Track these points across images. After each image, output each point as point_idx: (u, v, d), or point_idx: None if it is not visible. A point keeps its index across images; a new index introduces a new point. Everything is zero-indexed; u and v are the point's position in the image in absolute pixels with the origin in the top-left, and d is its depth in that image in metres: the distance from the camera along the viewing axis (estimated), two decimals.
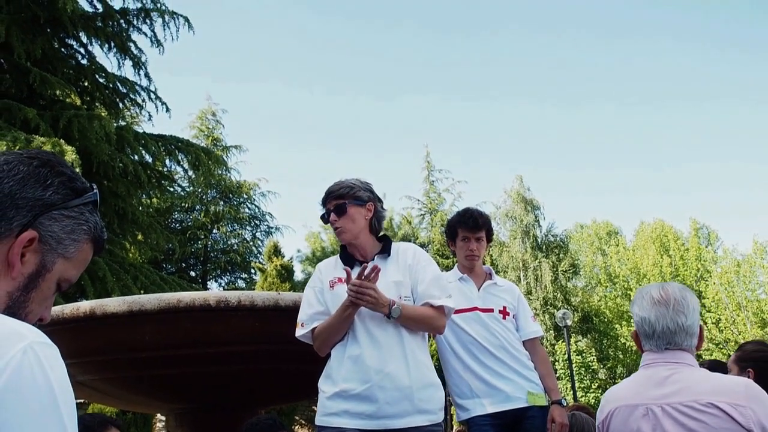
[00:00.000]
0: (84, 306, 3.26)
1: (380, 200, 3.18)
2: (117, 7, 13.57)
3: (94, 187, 1.23)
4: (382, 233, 3.17)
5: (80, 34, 13.11)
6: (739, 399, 2.08)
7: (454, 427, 11.50)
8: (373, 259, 3.02)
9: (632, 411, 2.28)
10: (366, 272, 2.75)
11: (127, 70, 14.50)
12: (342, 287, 2.89)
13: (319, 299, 3.00)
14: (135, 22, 13.93)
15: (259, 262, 26.18)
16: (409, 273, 3.01)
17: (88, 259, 1.23)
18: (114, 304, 3.22)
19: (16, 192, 1.12)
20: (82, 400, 8.86)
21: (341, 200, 3.02)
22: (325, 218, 3.07)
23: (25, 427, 0.91)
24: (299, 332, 2.99)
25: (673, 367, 2.26)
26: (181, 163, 14.52)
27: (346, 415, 2.80)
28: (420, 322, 2.93)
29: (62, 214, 1.16)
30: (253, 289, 22.31)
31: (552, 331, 29.23)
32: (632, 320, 2.45)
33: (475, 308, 3.67)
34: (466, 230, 3.81)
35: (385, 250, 3.08)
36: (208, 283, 26.28)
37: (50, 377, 0.96)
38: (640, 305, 2.36)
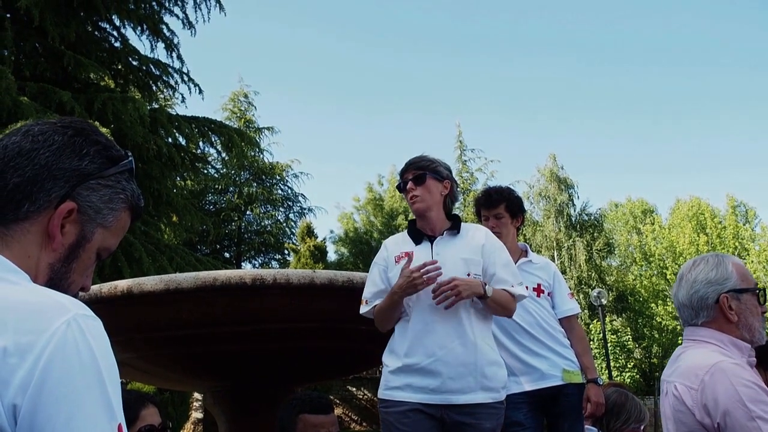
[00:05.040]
0: (121, 284, 3.28)
1: (456, 183, 3.25)
2: None
3: (129, 154, 1.21)
4: (453, 213, 3.20)
5: (113, 17, 13.18)
6: (695, 382, 2.03)
7: None
8: (442, 235, 3.07)
9: (661, 387, 2.33)
10: (420, 267, 2.82)
11: (160, 53, 14.59)
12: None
13: (382, 278, 3.05)
14: (166, 4, 14.00)
15: (293, 243, 26.35)
16: (482, 253, 3.04)
17: (126, 227, 1.22)
18: (151, 282, 3.23)
19: (53, 163, 1.10)
20: (122, 380, 9.02)
21: (421, 171, 3.10)
22: (401, 187, 3.15)
23: (69, 401, 0.91)
24: (362, 309, 3.06)
25: (686, 345, 2.25)
26: (215, 144, 14.59)
27: (409, 389, 2.84)
28: (499, 304, 2.98)
29: (99, 183, 1.14)
30: None
31: (587, 311, 29.04)
32: (668, 299, 2.43)
33: None
34: (484, 209, 3.83)
35: (455, 227, 3.11)
36: (242, 264, 26.47)
37: (94, 350, 0.96)
38: None
